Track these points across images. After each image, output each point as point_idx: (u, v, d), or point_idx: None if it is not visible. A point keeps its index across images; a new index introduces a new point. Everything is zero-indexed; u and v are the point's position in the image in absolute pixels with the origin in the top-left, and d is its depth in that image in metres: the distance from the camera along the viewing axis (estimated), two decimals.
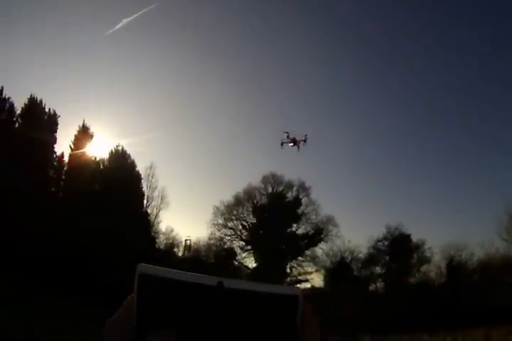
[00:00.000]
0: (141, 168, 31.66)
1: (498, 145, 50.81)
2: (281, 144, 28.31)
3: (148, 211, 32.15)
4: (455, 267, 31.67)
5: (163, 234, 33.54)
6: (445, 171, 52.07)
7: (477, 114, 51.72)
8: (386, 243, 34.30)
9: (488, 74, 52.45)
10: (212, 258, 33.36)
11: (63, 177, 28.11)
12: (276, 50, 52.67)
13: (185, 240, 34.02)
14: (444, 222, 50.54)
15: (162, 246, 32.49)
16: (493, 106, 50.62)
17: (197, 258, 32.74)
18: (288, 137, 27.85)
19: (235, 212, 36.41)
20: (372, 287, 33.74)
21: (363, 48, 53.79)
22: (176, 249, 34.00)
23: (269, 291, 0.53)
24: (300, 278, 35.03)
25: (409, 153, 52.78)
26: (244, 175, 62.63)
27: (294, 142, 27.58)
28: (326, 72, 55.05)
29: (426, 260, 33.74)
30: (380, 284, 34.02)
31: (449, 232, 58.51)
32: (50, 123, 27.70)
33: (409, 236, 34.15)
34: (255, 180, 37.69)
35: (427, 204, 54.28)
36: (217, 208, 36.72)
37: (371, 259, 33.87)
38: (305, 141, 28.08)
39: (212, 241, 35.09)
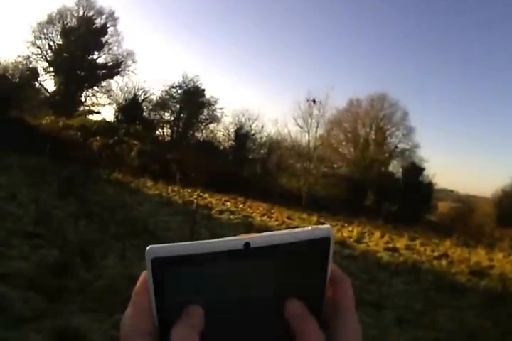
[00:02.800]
0: None
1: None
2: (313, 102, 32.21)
3: None
4: (243, 135, 32.10)
5: None
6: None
7: None
8: (180, 91, 33.56)
9: None
10: (17, 78, 32.52)
11: None
12: None
13: None
14: (243, 91, 55.19)
15: None
16: None
17: (3, 76, 31.47)
18: (308, 100, 32.18)
19: (45, 31, 34.79)
20: (159, 132, 33.54)
21: None
22: None
23: (301, 239, 0.43)
24: (93, 108, 35.20)
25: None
26: None
27: (314, 101, 32.28)
28: None
29: (215, 119, 33.83)
30: (167, 131, 33.81)
31: (245, 101, 64.27)
32: None
33: (203, 90, 33.87)
34: (71, 1, 36.18)
35: (234, 64, 60.23)
36: (30, 25, 34.60)
37: (162, 103, 33.23)
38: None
39: (20, 59, 33.95)
